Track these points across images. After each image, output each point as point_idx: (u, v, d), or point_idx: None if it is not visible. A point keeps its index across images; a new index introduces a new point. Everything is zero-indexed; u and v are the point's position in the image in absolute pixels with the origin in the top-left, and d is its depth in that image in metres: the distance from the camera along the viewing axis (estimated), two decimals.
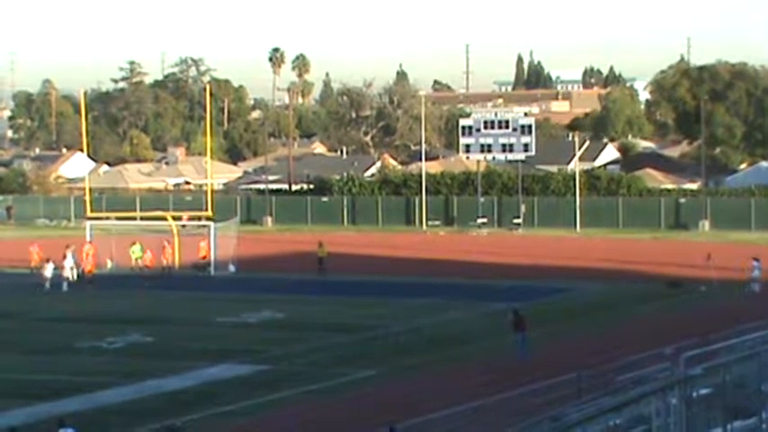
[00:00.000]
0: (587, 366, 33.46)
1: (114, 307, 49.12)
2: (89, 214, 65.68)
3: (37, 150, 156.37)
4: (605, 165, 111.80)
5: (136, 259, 58.58)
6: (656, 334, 38.45)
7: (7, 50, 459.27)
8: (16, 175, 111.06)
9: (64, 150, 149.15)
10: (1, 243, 71.08)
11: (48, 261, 54.76)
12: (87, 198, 67.50)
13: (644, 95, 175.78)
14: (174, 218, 64.93)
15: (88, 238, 61.13)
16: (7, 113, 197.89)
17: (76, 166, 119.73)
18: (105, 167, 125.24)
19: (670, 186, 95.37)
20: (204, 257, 59.86)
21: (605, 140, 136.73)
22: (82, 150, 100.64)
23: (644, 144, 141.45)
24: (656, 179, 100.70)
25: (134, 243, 59.06)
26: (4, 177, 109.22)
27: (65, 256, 55.95)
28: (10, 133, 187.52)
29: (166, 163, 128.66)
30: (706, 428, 21.80)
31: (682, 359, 21.71)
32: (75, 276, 55.81)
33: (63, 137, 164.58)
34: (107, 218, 69.16)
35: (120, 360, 37.24)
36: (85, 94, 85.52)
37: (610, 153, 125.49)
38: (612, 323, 44.20)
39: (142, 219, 70.83)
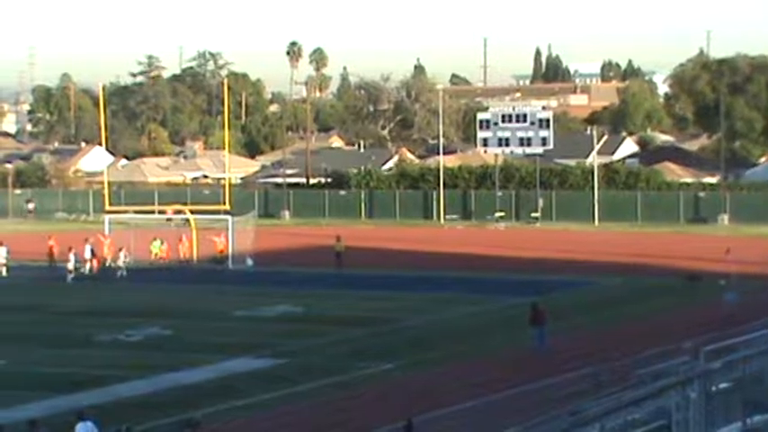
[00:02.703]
0: (606, 360, 33.41)
1: (133, 300, 49.24)
2: (108, 208, 65.85)
3: (56, 144, 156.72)
4: (624, 158, 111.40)
5: (155, 254, 58.73)
6: (674, 328, 38.32)
7: (26, 45, 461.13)
8: (35, 168, 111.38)
9: (83, 144, 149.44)
10: (20, 236, 71.27)
11: (71, 251, 54.91)
12: (106, 192, 67.70)
13: (663, 89, 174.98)
14: (178, 212, 64.99)
15: (106, 232, 61.33)
16: (26, 107, 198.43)
17: (95, 160, 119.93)
18: (124, 161, 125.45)
19: (689, 180, 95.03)
20: (222, 251, 59.94)
21: (624, 134, 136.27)
22: (100, 144, 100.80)
23: (663, 138, 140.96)
24: (674, 173, 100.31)
25: (155, 239, 59.19)
26: (23, 171, 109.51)
27: (84, 250, 56.35)
28: (29, 127, 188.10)
29: (184, 157, 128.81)
30: (725, 423, 21.75)
31: (701, 353, 21.65)
32: (96, 269, 56.10)
33: (82, 131, 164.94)
34: (125, 211, 69.32)
35: (138, 353, 37.29)
36: (104, 88, 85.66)
37: (628, 147, 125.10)
38: (631, 317, 44.06)
39: (160, 212, 71.00)
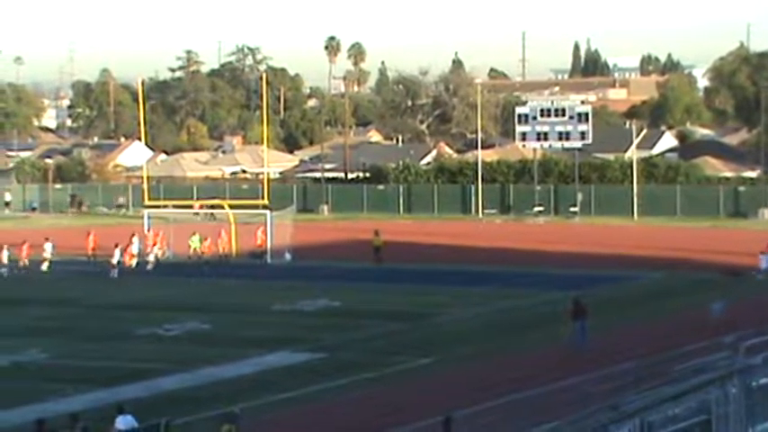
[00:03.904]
0: (645, 355, 33.23)
1: (172, 294, 49.47)
2: (147, 202, 66.21)
3: (96, 139, 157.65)
4: (663, 153, 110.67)
5: (194, 249, 58.99)
6: (714, 323, 37.99)
7: (67, 40, 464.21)
8: (76, 163, 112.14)
9: (122, 139, 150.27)
10: (62, 231, 71.77)
11: (116, 247, 55.30)
12: (145, 186, 68.02)
13: (702, 82, 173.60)
14: (233, 206, 65.20)
15: (146, 227, 61.68)
16: (66, 102, 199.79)
17: (134, 155, 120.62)
18: (163, 156, 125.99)
19: (729, 174, 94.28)
20: (260, 246, 60.11)
21: (663, 128, 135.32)
22: (140, 139, 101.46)
23: (702, 132, 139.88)
24: (714, 167, 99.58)
25: (194, 233, 59.49)
26: (63, 166, 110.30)
27: (130, 244, 56.83)
28: (69, 122, 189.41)
29: (223, 152, 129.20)
30: (765, 419, 21.57)
31: (741, 348, 21.48)
32: (152, 261, 56.74)
33: (121, 126, 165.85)
34: (164, 206, 69.68)
35: (177, 347, 37.45)
36: (143, 83, 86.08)
37: (668, 141, 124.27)
38: (670, 312, 43.82)
39: (200, 207, 71.32)
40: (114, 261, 54.67)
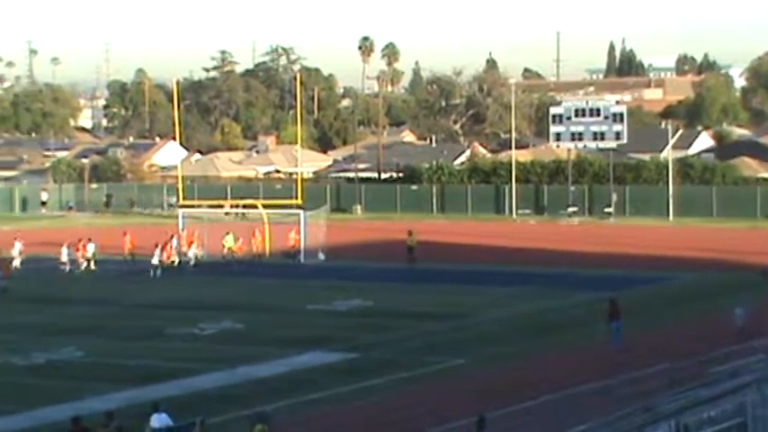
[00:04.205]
0: (680, 357, 33.03)
1: (206, 294, 49.61)
2: (181, 202, 66.42)
3: (131, 139, 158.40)
4: (699, 153, 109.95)
5: (228, 249, 59.13)
6: (751, 325, 37.74)
7: (102, 40, 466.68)
8: (111, 163, 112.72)
9: (157, 139, 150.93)
10: (98, 231, 72.15)
11: (156, 247, 55.56)
12: (180, 186, 68.23)
13: (739, 82, 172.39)
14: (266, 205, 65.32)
15: (180, 226, 61.89)
16: (102, 102, 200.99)
17: (169, 155, 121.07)
18: (197, 156, 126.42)
19: (766, 175, 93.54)
20: (293, 246, 60.17)
21: (699, 128, 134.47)
22: (174, 139, 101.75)
23: (739, 132, 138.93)
24: (751, 167, 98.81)
25: (227, 233, 59.65)
26: (99, 165, 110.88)
27: (167, 243, 57.13)
28: (105, 122, 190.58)
29: (257, 151, 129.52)
30: None
31: None
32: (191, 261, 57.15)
33: (156, 125, 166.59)
34: (199, 206, 69.88)
35: (211, 347, 37.56)
36: (178, 83, 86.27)
37: (704, 141, 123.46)
38: (706, 313, 43.52)
39: (232, 206, 71.47)
40: (155, 261, 54.82)
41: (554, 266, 56.57)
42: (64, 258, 56.42)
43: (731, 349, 31.57)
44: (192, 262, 57.31)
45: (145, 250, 56.56)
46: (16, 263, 56.48)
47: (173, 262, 56.93)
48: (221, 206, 72.38)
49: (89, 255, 57.04)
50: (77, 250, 57.13)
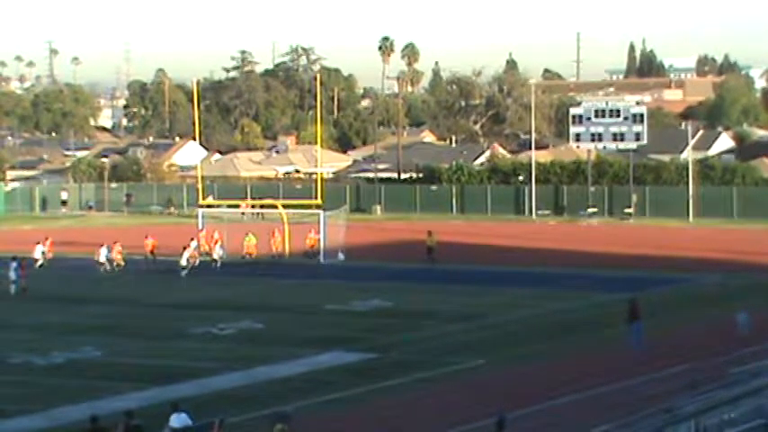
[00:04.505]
0: (700, 358, 32.90)
1: (226, 294, 49.62)
2: (201, 202, 66.48)
3: (151, 139, 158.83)
4: (719, 154, 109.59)
5: (248, 249, 59.12)
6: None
7: (122, 41, 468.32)
8: (131, 163, 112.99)
9: (177, 139, 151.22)
10: (118, 231, 72.33)
11: (185, 249, 55.58)
12: (200, 186, 68.28)
13: (760, 83, 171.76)
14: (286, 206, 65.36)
15: (200, 226, 61.97)
16: (122, 102, 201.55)
17: (189, 155, 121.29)
18: (217, 156, 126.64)
19: None
20: (312, 246, 60.07)
21: (720, 129, 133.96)
22: (194, 139, 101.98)
23: (760, 133, 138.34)
24: None
25: (247, 234, 59.65)
26: (119, 165, 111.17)
27: (197, 242, 57.30)
28: (125, 122, 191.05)
29: (277, 151, 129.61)
30: None
31: None
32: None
33: (176, 125, 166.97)
34: (218, 206, 69.92)
35: (231, 346, 37.54)
36: (198, 83, 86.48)
37: (724, 142, 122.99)
38: (726, 315, 43.29)
39: (252, 207, 71.57)
40: (183, 262, 54.74)
41: (573, 267, 56.39)
42: (102, 259, 56.51)
43: (751, 350, 31.44)
44: (218, 263, 57.07)
45: (167, 250, 56.56)
46: (41, 262, 56.42)
47: (197, 262, 56.77)
48: (241, 206, 72.47)
49: (117, 256, 57.18)
50: (114, 250, 57.15)
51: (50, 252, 58.12)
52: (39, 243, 57.93)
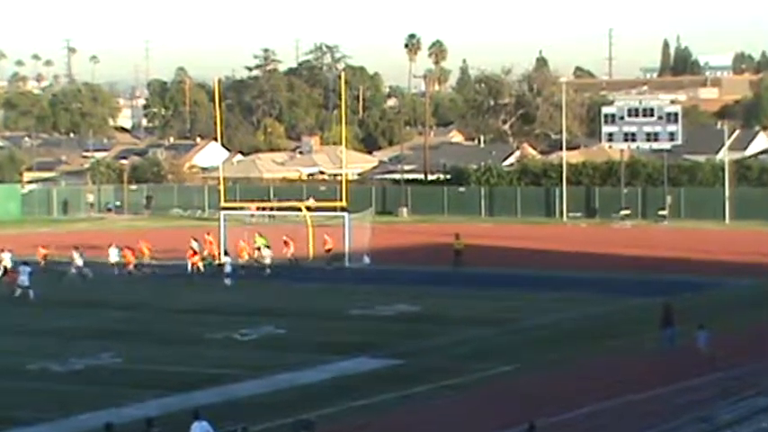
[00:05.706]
0: (736, 365, 32.14)
1: (247, 298, 49.03)
2: (223, 204, 65.67)
3: (171, 139, 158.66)
4: (757, 154, 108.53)
5: (256, 250, 57.95)
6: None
7: (142, 39, 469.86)
8: (151, 164, 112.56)
9: (198, 139, 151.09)
10: (138, 232, 71.82)
11: (227, 254, 55.02)
12: (221, 188, 67.56)
13: None
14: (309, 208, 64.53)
15: (221, 229, 61.10)
16: (142, 102, 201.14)
17: (210, 156, 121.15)
18: (239, 157, 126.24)
19: None
20: (329, 250, 58.79)
21: (757, 129, 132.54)
22: (216, 139, 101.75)
23: None
24: None
25: (259, 235, 58.80)
26: (139, 167, 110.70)
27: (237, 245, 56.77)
28: (145, 122, 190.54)
29: (300, 152, 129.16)
30: None
31: None
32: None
33: (197, 125, 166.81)
34: (240, 208, 69.30)
35: (253, 353, 37.01)
36: (219, 82, 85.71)
37: (761, 142, 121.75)
38: (762, 320, 42.33)
39: (277, 209, 70.86)
40: (228, 269, 53.73)
41: (606, 271, 55.82)
42: (113, 260, 56.24)
43: None
44: (267, 269, 55.76)
45: (182, 254, 55.96)
46: (85, 272, 55.41)
47: (220, 265, 55.85)
48: (264, 208, 71.80)
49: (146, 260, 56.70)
50: (134, 252, 56.62)
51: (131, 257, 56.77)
52: (112, 246, 57.18)
